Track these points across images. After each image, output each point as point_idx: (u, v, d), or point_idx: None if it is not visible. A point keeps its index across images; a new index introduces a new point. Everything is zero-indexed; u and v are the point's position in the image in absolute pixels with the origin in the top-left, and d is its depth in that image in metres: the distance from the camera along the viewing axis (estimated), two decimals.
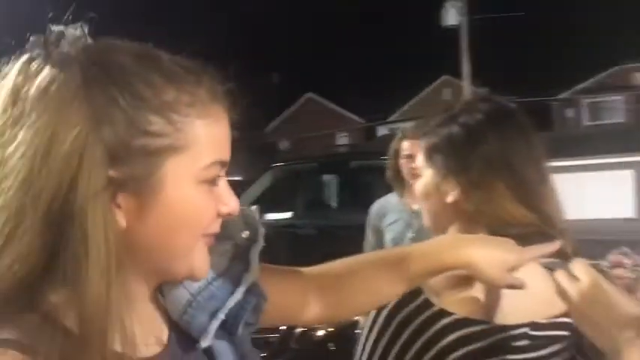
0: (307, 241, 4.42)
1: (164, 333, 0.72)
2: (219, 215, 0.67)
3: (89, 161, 0.56)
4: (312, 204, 5.64)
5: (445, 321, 0.96)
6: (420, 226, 2.98)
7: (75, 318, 0.58)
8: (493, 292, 0.97)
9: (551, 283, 1.01)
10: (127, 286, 0.64)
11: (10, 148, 0.56)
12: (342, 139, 34.39)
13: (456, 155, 1.02)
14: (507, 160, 0.98)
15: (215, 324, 0.73)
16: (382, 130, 33.19)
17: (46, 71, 0.58)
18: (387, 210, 3.13)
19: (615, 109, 27.82)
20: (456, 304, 0.97)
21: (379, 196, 3.37)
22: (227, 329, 0.76)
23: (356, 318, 3.45)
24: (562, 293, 0.87)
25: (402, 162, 2.98)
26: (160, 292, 0.74)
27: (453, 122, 1.03)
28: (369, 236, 3.21)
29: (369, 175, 5.33)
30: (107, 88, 0.58)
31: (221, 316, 0.74)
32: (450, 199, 1.02)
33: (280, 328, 3.26)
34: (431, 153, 1.06)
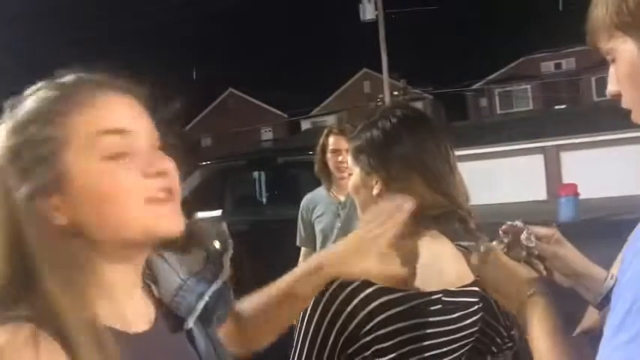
0: (239, 238, 4.48)
1: (151, 314, 0.83)
2: (148, 176, 0.76)
3: (12, 197, 0.71)
4: (242, 200, 5.72)
5: (369, 290, 1.10)
6: (346, 216, 3.15)
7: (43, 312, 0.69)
8: (410, 265, 1.13)
9: (461, 258, 1.18)
10: (103, 272, 0.76)
11: None
12: (267, 134, 34.44)
13: (377, 155, 1.18)
14: (419, 156, 1.16)
15: (201, 304, 0.85)
16: (306, 124, 33.55)
17: None
18: (315, 203, 3.26)
19: (524, 97, 29.47)
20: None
21: (307, 190, 3.49)
22: (203, 321, 0.88)
23: None
24: (473, 268, 1.06)
25: (329, 156, 3.10)
26: (153, 282, 0.86)
27: (373, 127, 1.21)
28: (301, 228, 3.34)
29: (296, 170, 5.47)
30: (15, 131, 0.74)
31: (206, 297, 0.86)
32: (375, 191, 1.19)
33: None
34: (357, 154, 1.23)
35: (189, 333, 0.86)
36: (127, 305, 0.79)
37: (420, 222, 1.14)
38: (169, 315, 0.85)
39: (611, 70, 0.75)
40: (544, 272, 1.13)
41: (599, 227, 10.13)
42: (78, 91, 0.77)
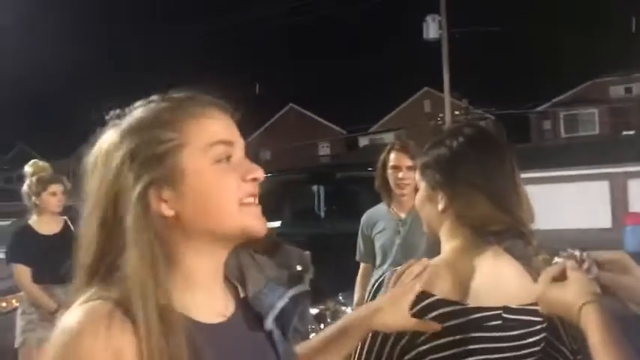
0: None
1: (229, 310, 0.90)
2: (245, 180, 0.87)
3: (125, 186, 0.82)
4: (301, 213, 5.80)
5: (428, 301, 1.13)
6: (406, 233, 3.17)
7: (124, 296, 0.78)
8: (473, 279, 1.17)
9: (526, 277, 1.20)
10: (188, 264, 0.85)
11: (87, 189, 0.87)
12: (324, 150, 34.64)
13: (442, 172, 1.23)
14: (484, 174, 1.20)
15: (281, 303, 0.93)
16: (364, 141, 33.55)
17: (101, 137, 0.88)
18: (376, 219, 3.28)
19: (590, 121, 28.48)
20: (439, 288, 1.16)
21: (365, 206, 3.52)
22: (281, 326, 0.95)
23: None
24: (543, 280, 1.08)
25: (389, 172, 3.13)
26: (240, 282, 0.95)
27: (441, 144, 1.26)
28: (361, 244, 3.37)
29: (354, 186, 5.51)
30: (132, 134, 0.85)
31: (286, 298, 0.94)
32: (440, 207, 1.23)
33: None
34: (424, 169, 1.29)
35: (270, 334, 0.93)
36: (205, 297, 0.87)
37: (482, 237, 1.18)
38: (250, 312, 0.92)
39: None
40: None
41: None
42: (192, 104, 0.88)
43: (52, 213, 3.89)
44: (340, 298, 3.73)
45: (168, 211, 0.83)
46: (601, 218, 19.46)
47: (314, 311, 3.66)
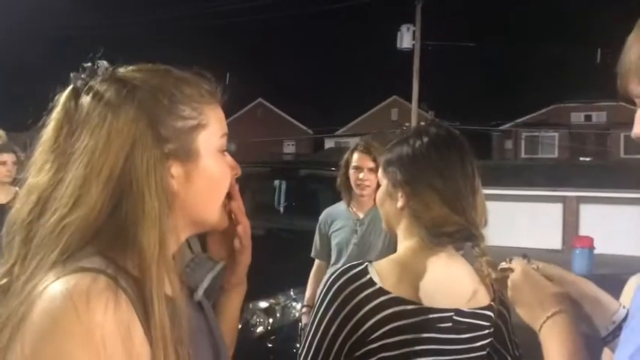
0: (254, 242, 4.53)
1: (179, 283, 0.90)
2: (231, 177, 0.90)
3: (141, 144, 0.77)
4: (261, 207, 5.78)
5: (381, 299, 1.13)
6: (363, 232, 3.19)
7: (133, 266, 0.75)
8: (426, 278, 1.18)
9: (478, 280, 1.22)
10: (171, 243, 0.82)
11: (77, 145, 0.77)
12: (289, 148, 34.57)
13: (403, 170, 1.24)
14: (443, 175, 1.21)
15: (210, 276, 0.93)
16: (329, 143, 33.59)
17: (96, 88, 0.80)
18: (334, 217, 3.30)
19: (550, 144, 29.23)
20: (394, 285, 1.16)
21: (325, 204, 3.54)
22: (207, 296, 0.96)
23: (296, 317, 3.62)
24: (501, 279, 1.08)
25: (351, 172, 3.15)
26: None
27: (405, 143, 1.27)
28: (317, 241, 3.39)
29: (316, 184, 5.53)
30: (150, 95, 0.81)
31: (216, 270, 0.94)
32: (399, 204, 1.25)
33: None
34: (386, 167, 1.29)
35: (200, 304, 0.94)
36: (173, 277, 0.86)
37: (436, 237, 1.19)
38: (184, 286, 0.92)
39: (638, 112, 0.76)
40: None
41: (612, 282, 9.93)
42: (209, 87, 0.89)
43: (1, 183, 3.77)
44: (292, 293, 3.73)
45: (174, 186, 0.81)
46: (552, 239, 19.98)
47: (263, 305, 3.66)
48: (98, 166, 0.75)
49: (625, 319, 0.98)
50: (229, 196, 0.92)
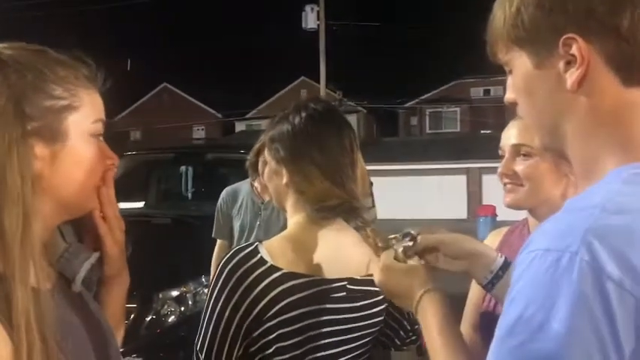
0: (161, 231, 4.41)
1: (52, 273, 0.87)
2: (105, 166, 0.88)
3: (2, 120, 0.75)
4: (167, 194, 5.63)
5: (274, 275, 1.14)
6: (268, 216, 3.17)
7: None
8: (316, 251, 1.20)
9: (368, 250, 1.24)
10: (36, 230, 0.78)
11: None
12: (199, 133, 33.85)
13: (285, 147, 1.25)
14: (322, 149, 1.21)
15: (87, 265, 0.90)
16: (240, 127, 33.21)
17: None
18: (236, 197, 3.27)
19: (453, 119, 30.49)
20: (286, 262, 1.17)
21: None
22: (86, 286, 0.93)
23: None
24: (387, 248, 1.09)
25: (261, 158, 3.11)
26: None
27: (285, 120, 1.28)
28: (220, 220, 3.33)
29: (225, 168, 5.44)
30: (16, 71, 0.78)
31: (89, 264, 0.90)
32: (284, 181, 1.26)
33: (131, 315, 3.26)
34: (270, 144, 1.30)
35: (80, 295, 0.91)
36: (38, 263, 0.81)
37: (321, 212, 1.21)
38: (60, 276, 0.90)
39: (509, 80, 0.77)
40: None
41: None
42: (86, 70, 0.86)
43: None
44: (203, 279, 3.67)
45: (38, 166, 0.78)
46: (458, 209, 20.97)
47: (174, 293, 3.58)
48: None
49: (503, 268, 1.05)
50: (103, 182, 0.90)
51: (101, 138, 0.89)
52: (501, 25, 0.74)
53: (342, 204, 1.21)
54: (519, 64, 0.73)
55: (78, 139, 0.83)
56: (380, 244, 1.16)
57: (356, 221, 1.23)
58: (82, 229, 0.96)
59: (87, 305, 0.91)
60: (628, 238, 0.56)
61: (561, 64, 0.68)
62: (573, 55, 0.67)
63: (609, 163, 0.66)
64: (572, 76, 0.67)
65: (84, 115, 0.84)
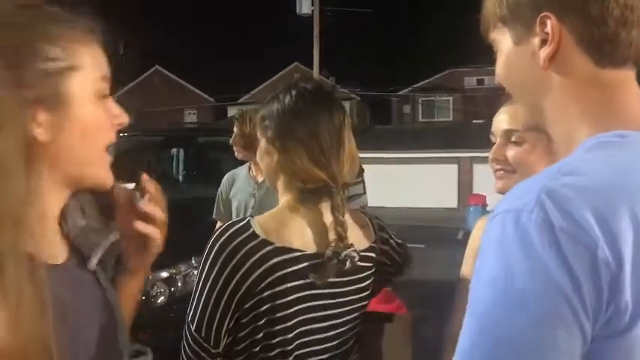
0: None
1: (66, 249, 0.85)
2: (114, 125, 0.83)
3: None
4: (158, 177, 5.61)
5: (266, 249, 1.15)
6: (261, 197, 3.19)
7: None
8: (307, 227, 1.22)
9: (356, 226, 1.27)
10: (40, 202, 0.76)
11: None
12: (191, 117, 33.69)
13: (274, 125, 1.25)
14: (309, 129, 1.21)
15: (106, 243, 0.89)
16: (232, 111, 33.07)
17: None
18: (234, 180, 3.32)
19: (445, 108, 30.50)
20: (277, 237, 1.17)
21: (226, 172, 3.50)
22: (103, 267, 0.91)
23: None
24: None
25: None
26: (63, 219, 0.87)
27: (276, 99, 1.29)
28: (220, 203, 3.37)
29: (217, 151, 5.43)
30: (8, 32, 0.73)
31: (111, 238, 0.89)
32: (274, 160, 1.26)
33: None
34: (261, 123, 1.31)
35: (94, 274, 0.89)
36: (47, 237, 0.80)
37: (302, 194, 1.22)
38: (77, 252, 0.87)
39: (498, 60, 0.80)
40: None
41: None
42: (82, 25, 0.79)
43: None
44: (193, 261, 3.68)
45: (42, 135, 0.74)
46: (448, 198, 21.06)
47: (164, 274, 3.59)
48: None
49: None
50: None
51: (109, 98, 0.83)
52: (492, 4, 0.77)
53: (322, 188, 1.22)
54: (502, 41, 0.77)
55: (83, 103, 0.77)
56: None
57: (332, 208, 1.22)
58: (112, 209, 0.94)
59: (100, 284, 0.89)
60: (577, 196, 0.59)
61: (536, 41, 0.71)
62: (548, 33, 0.69)
63: (583, 138, 0.69)
64: (543, 53, 0.70)
65: (87, 74, 0.78)
